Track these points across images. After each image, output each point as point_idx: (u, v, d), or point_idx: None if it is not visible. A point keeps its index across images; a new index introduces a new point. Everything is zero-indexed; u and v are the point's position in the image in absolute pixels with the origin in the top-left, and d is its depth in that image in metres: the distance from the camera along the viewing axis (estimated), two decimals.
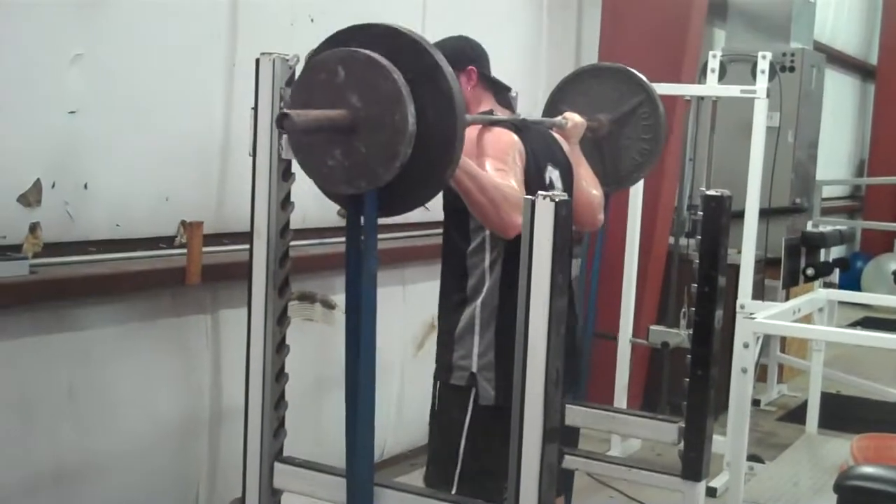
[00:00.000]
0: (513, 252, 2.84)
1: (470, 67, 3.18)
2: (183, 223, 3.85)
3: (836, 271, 7.92)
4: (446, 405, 3.16)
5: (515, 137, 3.05)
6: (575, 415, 3.67)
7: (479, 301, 3.08)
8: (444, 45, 3.03)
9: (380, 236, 2.80)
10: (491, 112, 3.19)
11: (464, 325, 3.10)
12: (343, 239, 4.53)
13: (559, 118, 3.49)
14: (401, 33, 2.56)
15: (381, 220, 2.98)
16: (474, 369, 3.08)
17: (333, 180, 2.58)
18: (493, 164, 2.92)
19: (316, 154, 2.57)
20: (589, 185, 3.40)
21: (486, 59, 3.26)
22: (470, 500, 2.87)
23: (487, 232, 3.02)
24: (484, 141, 3.00)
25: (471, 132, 2.93)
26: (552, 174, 3.20)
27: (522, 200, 2.62)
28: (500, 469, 3.06)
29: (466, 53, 3.20)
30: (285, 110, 2.41)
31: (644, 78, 3.80)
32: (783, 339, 6.71)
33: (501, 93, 3.29)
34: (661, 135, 3.73)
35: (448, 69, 2.51)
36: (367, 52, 2.50)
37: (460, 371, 3.11)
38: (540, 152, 3.16)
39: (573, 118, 3.46)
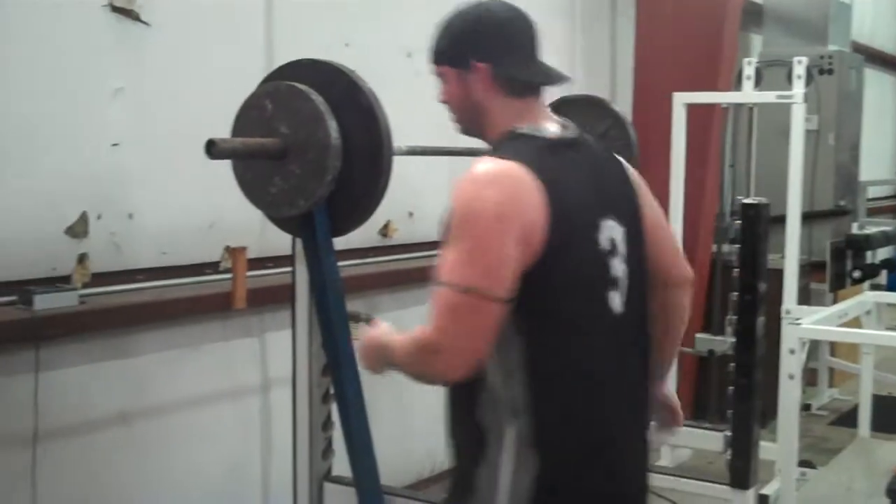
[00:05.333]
0: None
1: (476, 65, 2.14)
2: (227, 248, 3.91)
3: (884, 272, 7.86)
4: None
5: (510, 191, 1.96)
6: None
7: None
8: (450, 27, 2.21)
9: (343, 263, 2.89)
10: (513, 132, 2.12)
11: None
12: (386, 258, 4.65)
13: None
14: (320, 63, 2.80)
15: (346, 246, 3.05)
16: None
17: (278, 206, 2.79)
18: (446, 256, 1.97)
19: (259, 185, 2.79)
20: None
21: (515, 45, 2.20)
22: None
23: None
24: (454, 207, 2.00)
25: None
26: (613, 232, 2.14)
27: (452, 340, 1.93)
28: None
29: (471, 41, 2.17)
30: (211, 137, 2.54)
31: (610, 103, 4.01)
32: (832, 343, 6.65)
33: (531, 93, 2.20)
34: (633, 154, 3.82)
35: (365, 86, 2.68)
36: (288, 82, 2.73)
37: None
38: (585, 200, 2.10)
39: None
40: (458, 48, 2.16)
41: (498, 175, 1.97)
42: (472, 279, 1.90)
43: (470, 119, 2.20)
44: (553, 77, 2.23)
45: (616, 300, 2.11)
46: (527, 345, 2.00)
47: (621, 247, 2.14)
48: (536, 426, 2.00)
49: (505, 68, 2.14)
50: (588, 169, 2.15)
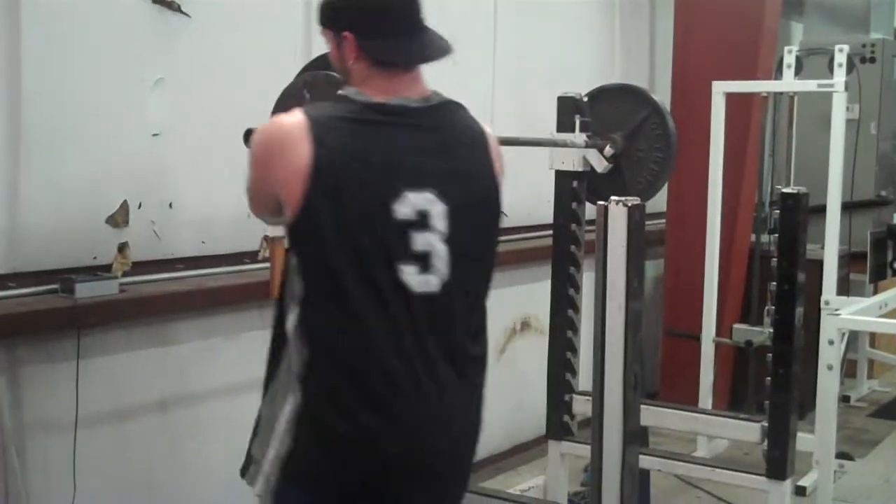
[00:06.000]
0: None
1: (344, 34, 2.21)
2: (265, 238, 3.93)
3: None
4: None
5: (274, 143, 2.15)
6: (655, 415, 3.68)
7: None
8: None
9: None
10: (339, 94, 2.24)
11: None
12: None
13: None
14: None
15: None
16: None
17: None
18: None
19: None
20: None
21: (384, 19, 2.20)
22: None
23: None
24: None
25: None
26: (428, 206, 2.14)
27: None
28: None
29: (342, 11, 2.23)
30: (250, 126, 2.54)
31: (649, 92, 3.92)
32: (873, 334, 6.59)
33: (399, 68, 2.22)
34: (671, 143, 3.78)
35: None
36: (326, 72, 2.67)
37: None
38: (383, 166, 2.12)
39: None
40: (332, 15, 2.24)
41: (274, 127, 2.17)
42: (249, 186, 2.31)
43: (347, 81, 2.26)
44: (416, 56, 2.24)
45: (419, 277, 2.12)
46: (304, 289, 2.16)
47: (438, 223, 2.14)
48: (304, 373, 2.16)
49: (370, 42, 2.19)
50: (416, 139, 2.18)
